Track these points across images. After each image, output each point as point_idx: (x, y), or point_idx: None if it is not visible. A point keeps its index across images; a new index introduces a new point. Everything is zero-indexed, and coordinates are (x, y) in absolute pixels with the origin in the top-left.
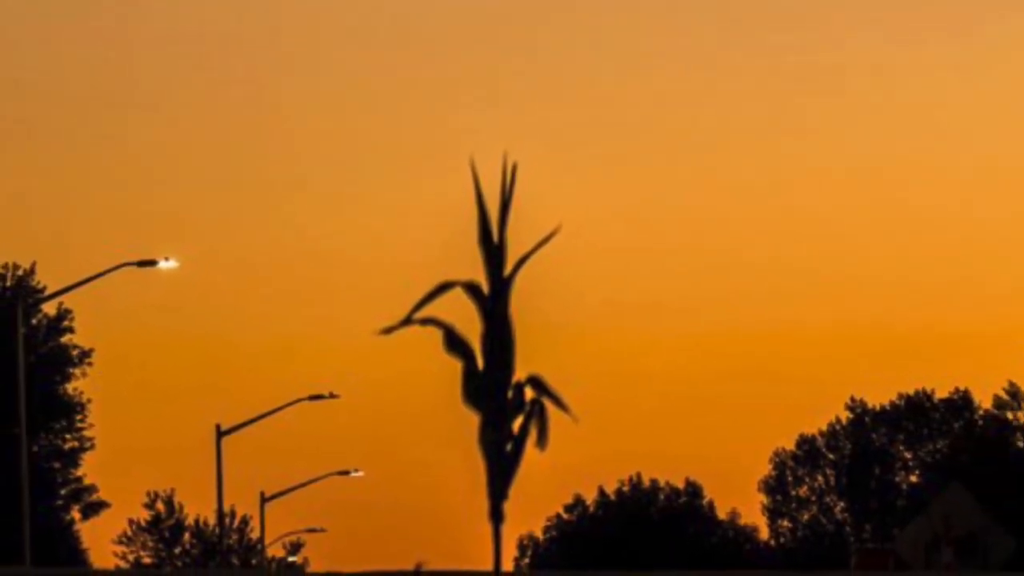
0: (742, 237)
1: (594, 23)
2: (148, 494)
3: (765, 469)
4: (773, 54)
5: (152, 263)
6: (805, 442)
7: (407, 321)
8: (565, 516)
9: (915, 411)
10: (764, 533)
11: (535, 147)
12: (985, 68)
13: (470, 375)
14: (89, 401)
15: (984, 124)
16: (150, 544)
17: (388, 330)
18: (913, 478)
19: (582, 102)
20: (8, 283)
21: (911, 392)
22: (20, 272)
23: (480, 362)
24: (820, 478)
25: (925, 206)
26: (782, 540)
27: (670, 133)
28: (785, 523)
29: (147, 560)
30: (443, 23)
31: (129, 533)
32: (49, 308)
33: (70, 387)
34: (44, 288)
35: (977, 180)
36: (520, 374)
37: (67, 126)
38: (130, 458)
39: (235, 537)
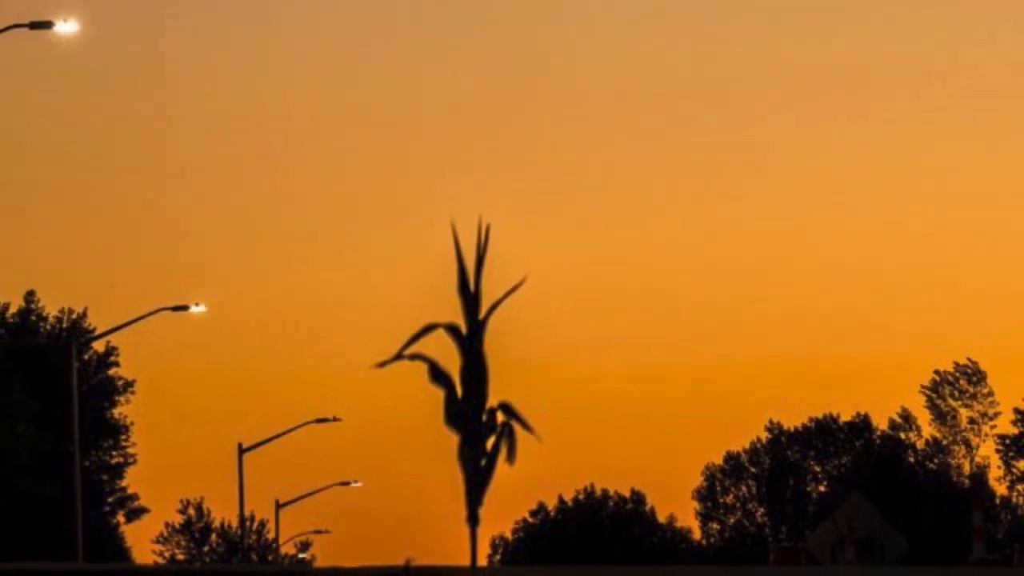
0: (679, 285)
1: (555, 108)
2: (181, 501)
3: (698, 480)
4: (707, 132)
5: (185, 308)
6: (731, 457)
7: (398, 357)
8: (530, 520)
9: (823, 432)
10: (697, 534)
11: (505, 211)
12: (883, 142)
13: (451, 402)
14: (132, 424)
15: (883, 188)
16: (183, 543)
17: (382, 364)
18: (822, 488)
19: (545, 174)
20: (64, 325)
21: (820, 415)
22: (74, 316)
23: (459, 391)
24: (744, 488)
25: (832, 259)
26: (712, 540)
27: (620, 199)
28: (715, 526)
29: (180, 557)
30: (428, 110)
31: (165, 534)
32: (98, 346)
33: (116, 412)
34: (94, 329)
35: (877, 237)
36: (493, 401)
37: (113, 192)
38: (166, 471)
39: (254, 537)
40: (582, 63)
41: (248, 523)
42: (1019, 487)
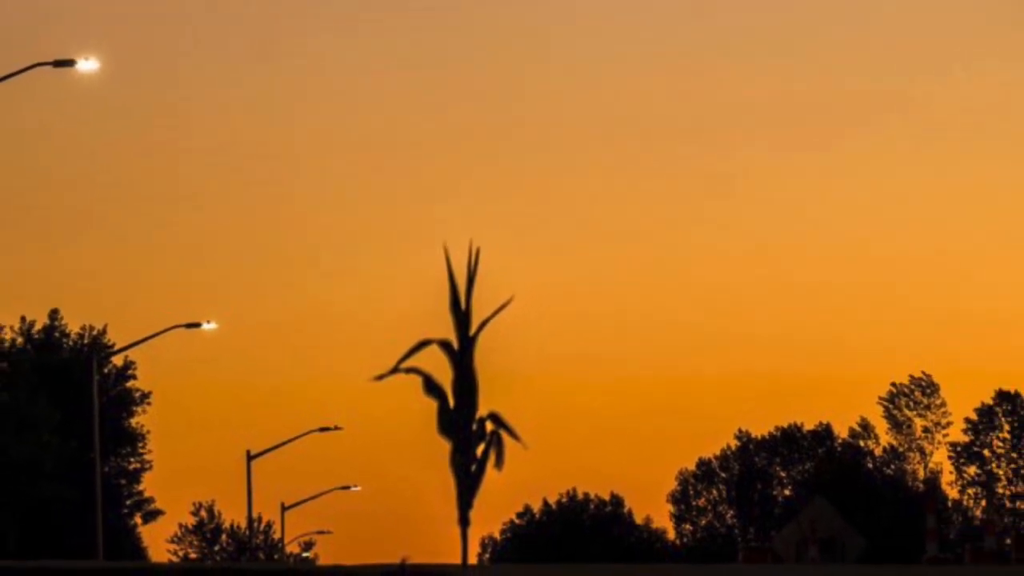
0: (655, 305)
1: (540, 141)
2: (194, 504)
3: (672, 485)
4: (681, 163)
5: (197, 325)
6: (703, 464)
7: (395, 370)
8: (517, 521)
9: (788, 440)
10: (672, 535)
11: (494, 236)
12: (844, 173)
13: (443, 412)
14: (148, 432)
15: (844, 215)
16: (195, 543)
17: (380, 377)
18: (787, 492)
19: (531, 201)
20: (86, 341)
21: (785, 425)
22: (95, 332)
23: (451, 402)
24: (715, 492)
25: (796, 281)
26: (685, 540)
27: (600, 225)
28: (688, 527)
29: (193, 556)
30: (422, 143)
31: (179, 534)
32: (117, 360)
33: (133, 422)
34: (113, 345)
35: (838, 260)
36: (482, 411)
37: (130, 218)
38: (180, 476)
39: (261, 538)
40: (566, 100)
41: (256, 524)
42: (969, 491)
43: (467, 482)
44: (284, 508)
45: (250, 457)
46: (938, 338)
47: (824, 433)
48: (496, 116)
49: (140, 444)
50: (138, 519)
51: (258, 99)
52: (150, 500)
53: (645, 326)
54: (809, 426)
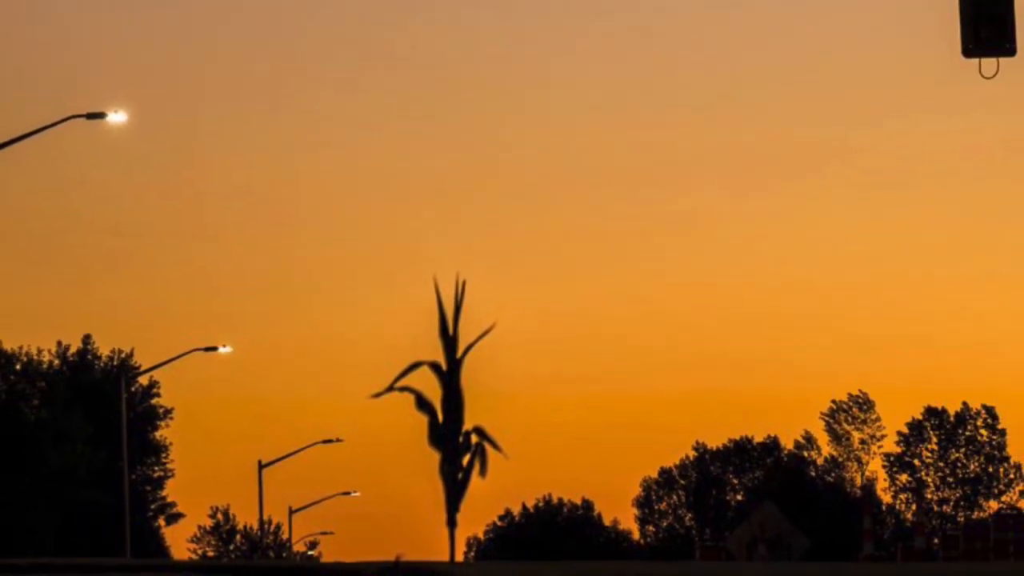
0: (621, 330)
1: (519, 186)
2: (211, 508)
3: (637, 490)
4: (643, 204)
5: (214, 348)
6: (664, 472)
7: (390, 389)
8: (499, 523)
9: (740, 451)
10: (636, 535)
11: (478, 270)
12: (789, 213)
13: (433, 426)
14: (170, 444)
15: (789, 251)
16: (212, 543)
17: (377, 395)
18: (739, 497)
19: (512, 239)
20: (115, 363)
21: (737, 437)
22: (123, 355)
23: (440, 417)
24: (675, 497)
25: (747, 309)
26: (648, 540)
27: (573, 260)
28: (651, 528)
29: (210, 554)
30: (414, 188)
31: (198, 535)
32: (143, 380)
33: (157, 435)
34: (139, 366)
35: (784, 291)
36: (468, 425)
37: (155, 253)
38: (199, 483)
39: (271, 538)
40: (542, 150)
41: (266, 526)
42: (901, 496)
43: (454, 488)
44: (291, 511)
45: (261, 466)
46: (873, 360)
47: (772, 445)
48: (480, 165)
49: (163, 454)
50: (162, 521)
51: (269, 149)
52: (172, 504)
53: (612, 350)
54: (759, 438)
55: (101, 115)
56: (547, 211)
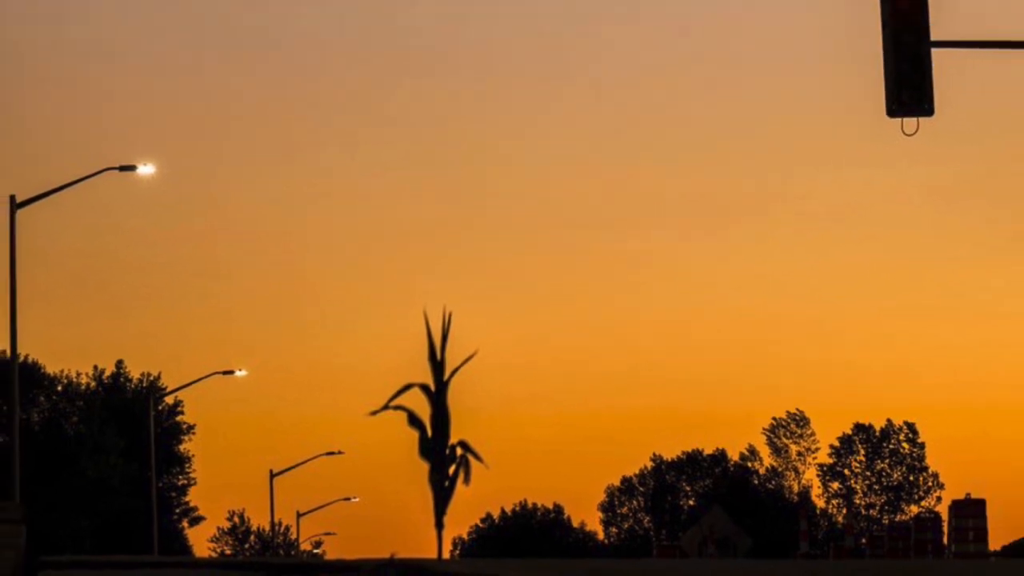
0: (587, 356)
1: (499, 229)
2: (229, 511)
3: (602, 496)
4: (608, 244)
5: (231, 372)
6: (626, 480)
7: (385, 407)
8: (481, 525)
9: (692, 461)
10: (601, 535)
11: (463, 303)
12: (735, 252)
13: (423, 440)
14: (193, 456)
15: (735, 285)
16: (230, 542)
17: (374, 413)
18: (691, 502)
19: (492, 276)
20: (144, 385)
21: (690, 449)
22: (151, 378)
23: (429, 432)
24: (635, 502)
25: (698, 337)
26: (611, 540)
27: (545, 294)
28: (614, 529)
29: (228, 552)
30: (407, 230)
31: (217, 535)
32: (169, 400)
33: (181, 448)
34: (166, 388)
35: (730, 321)
36: (453, 439)
37: (179, 289)
38: (218, 490)
39: (281, 538)
40: (518, 197)
41: (277, 527)
42: (833, 502)
43: (441, 495)
44: (299, 515)
45: (272, 475)
46: (809, 382)
47: (720, 456)
48: (464, 212)
49: (187, 465)
50: (185, 523)
51: (280, 198)
52: (194, 509)
53: (580, 373)
54: (708, 451)
55: (132, 168)
56: (523, 252)
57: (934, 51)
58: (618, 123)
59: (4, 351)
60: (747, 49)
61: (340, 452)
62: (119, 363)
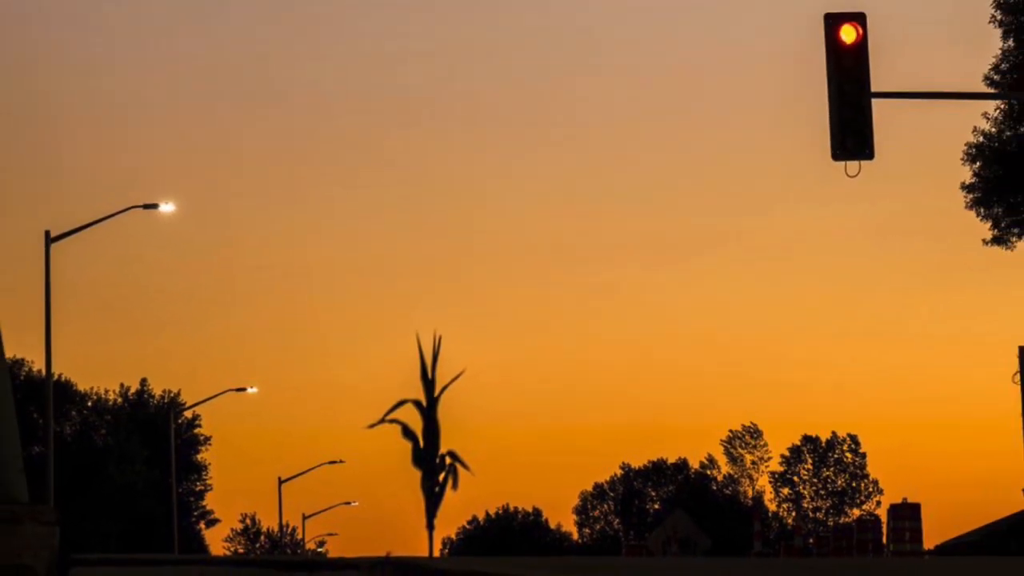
0: (563, 375)
1: (485, 261)
2: (241, 514)
3: (576, 501)
4: (579, 276)
5: (244, 389)
6: (598, 486)
7: (382, 420)
8: (467, 526)
9: (658, 470)
10: (576, 536)
11: (451, 327)
12: (694, 283)
13: (416, 450)
14: (209, 464)
15: (695, 312)
16: (242, 542)
17: (372, 425)
18: (656, 506)
19: (479, 303)
20: (166, 401)
21: (655, 459)
22: (172, 394)
23: (421, 443)
24: (606, 506)
25: (662, 358)
26: (585, 540)
27: (525, 321)
28: (587, 530)
29: (241, 551)
30: (401, 262)
31: (231, 536)
32: (188, 414)
33: (199, 457)
34: (185, 403)
35: (690, 344)
36: (443, 449)
37: (196, 315)
38: (232, 495)
39: (288, 538)
40: (502, 233)
41: (285, 528)
42: (784, 506)
43: (432, 499)
44: (304, 517)
45: (281, 481)
46: (762, 398)
47: (682, 465)
48: (453, 246)
49: (204, 472)
50: (202, 525)
51: (287, 232)
52: (210, 512)
53: (556, 390)
54: (672, 460)
55: (155, 206)
56: (506, 283)
57: (874, 101)
58: (590, 168)
59: (40, 370)
60: (705, 101)
61: (341, 461)
62: (143, 381)
